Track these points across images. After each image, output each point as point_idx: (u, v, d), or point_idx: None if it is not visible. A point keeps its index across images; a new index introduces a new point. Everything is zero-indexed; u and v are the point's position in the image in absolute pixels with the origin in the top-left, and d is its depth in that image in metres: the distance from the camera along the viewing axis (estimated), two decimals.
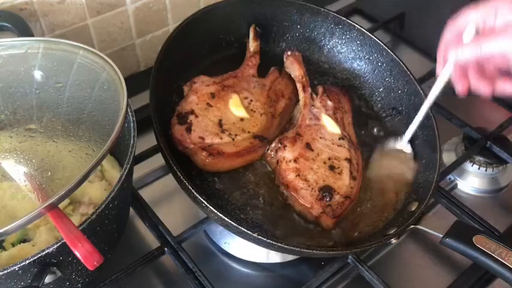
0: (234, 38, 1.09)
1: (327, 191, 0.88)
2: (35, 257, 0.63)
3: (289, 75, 1.05)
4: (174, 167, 0.78)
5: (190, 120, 0.91)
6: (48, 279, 0.67)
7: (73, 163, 0.73)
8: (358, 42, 1.10)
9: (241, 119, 0.95)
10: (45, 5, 1.01)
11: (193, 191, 0.76)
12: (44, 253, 0.64)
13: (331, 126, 0.98)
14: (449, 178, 1.08)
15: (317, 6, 1.10)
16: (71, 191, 0.62)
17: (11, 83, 0.81)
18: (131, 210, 0.93)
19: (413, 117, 1.00)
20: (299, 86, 1.02)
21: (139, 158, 0.98)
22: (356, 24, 1.09)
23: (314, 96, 1.02)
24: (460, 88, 0.81)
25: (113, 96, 0.75)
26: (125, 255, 0.87)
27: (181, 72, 0.99)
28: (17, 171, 0.74)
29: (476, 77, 0.79)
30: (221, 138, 0.91)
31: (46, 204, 0.61)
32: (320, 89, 1.03)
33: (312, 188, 0.88)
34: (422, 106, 0.91)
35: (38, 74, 0.81)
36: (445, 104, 1.12)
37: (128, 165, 0.74)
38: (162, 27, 1.22)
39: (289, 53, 1.07)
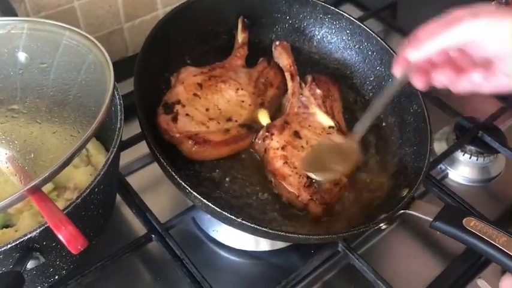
0: (223, 28, 1.07)
1: None
2: (17, 241, 0.62)
3: (279, 65, 1.04)
4: (157, 154, 0.77)
5: (177, 110, 0.89)
6: (30, 264, 0.65)
7: (57, 145, 0.71)
8: (347, 31, 1.09)
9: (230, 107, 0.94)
10: None
11: (176, 176, 0.75)
12: (26, 237, 0.62)
13: (323, 119, 0.97)
14: (440, 167, 1.07)
15: None
16: (55, 174, 0.60)
17: None
18: (118, 196, 0.91)
19: (404, 106, 0.99)
20: (287, 75, 1.01)
21: (127, 144, 0.97)
22: (345, 13, 1.08)
23: (303, 85, 1.01)
24: (419, 85, 0.75)
25: (99, 78, 0.73)
26: (111, 242, 0.85)
27: (168, 61, 0.97)
28: None
29: (448, 74, 0.72)
30: (208, 127, 0.89)
31: (28, 187, 0.59)
32: (309, 78, 1.02)
33: (300, 175, 0.87)
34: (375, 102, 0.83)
35: (22, 55, 0.79)
36: (437, 94, 1.11)
37: (115, 149, 0.72)
38: (151, 11, 1.20)
39: (277, 42, 1.06)
